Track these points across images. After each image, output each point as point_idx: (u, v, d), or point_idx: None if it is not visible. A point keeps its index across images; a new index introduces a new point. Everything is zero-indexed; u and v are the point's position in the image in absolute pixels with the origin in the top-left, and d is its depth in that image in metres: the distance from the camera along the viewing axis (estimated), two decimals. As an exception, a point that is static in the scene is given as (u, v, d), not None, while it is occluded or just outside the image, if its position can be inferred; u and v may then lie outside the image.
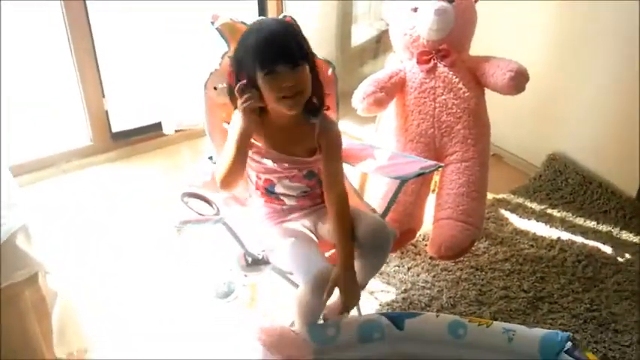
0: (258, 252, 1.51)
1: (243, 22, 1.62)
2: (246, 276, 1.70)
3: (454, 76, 1.93)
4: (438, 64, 1.94)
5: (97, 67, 2.52)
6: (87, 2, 2.37)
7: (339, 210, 1.50)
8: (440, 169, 1.69)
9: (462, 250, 1.86)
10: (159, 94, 2.59)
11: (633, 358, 1.72)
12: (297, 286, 1.48)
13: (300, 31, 1.48)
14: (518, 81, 1.85)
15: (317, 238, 1.58)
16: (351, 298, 1.46)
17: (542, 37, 2.40)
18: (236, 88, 1.45)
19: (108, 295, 1.92)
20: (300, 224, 1.58)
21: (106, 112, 2.63)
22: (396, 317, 1.55)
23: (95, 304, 1.84)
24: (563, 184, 2.48)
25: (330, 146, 1.53)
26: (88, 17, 2.41)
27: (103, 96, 2.59)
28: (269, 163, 1.53)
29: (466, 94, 1.93)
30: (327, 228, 1.56)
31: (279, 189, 1.56)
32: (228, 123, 1.61)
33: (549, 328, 1.80)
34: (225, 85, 1.60)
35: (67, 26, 2.40)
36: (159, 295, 1.90)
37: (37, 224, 1.48)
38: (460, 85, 1.93)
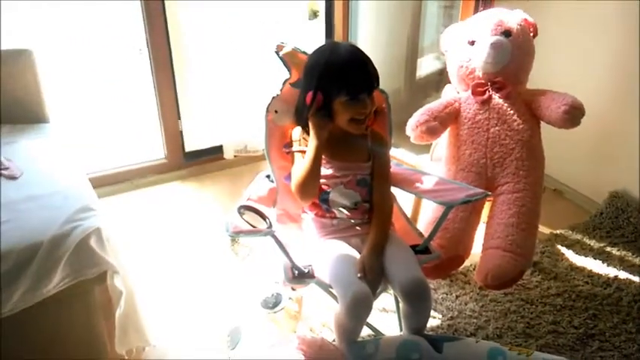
0: (305, 266, 1.59)
1: (304, 52, 1.75)
2: (293, 289, 1.80)
3: (508, 108, 1.96)
4: (493, 96, 1.98)
5: (175, 89, 2.73)
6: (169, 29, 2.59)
7: (383, 213, 1.66)
8: (487, 197, 1.71)
9: (509, 280, 1.86)
10: (225, 117, 2.76)
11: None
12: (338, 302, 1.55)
13: (372, 62, 1.62)
14: (573, 115, 1.85)
15: None
16: (373, 276, 1.52)
17: (604, 72, 2.38)
18: (311, 108, 1.60)
19: (168, 297, 2.07)
20: (347, 243, 1.66)
21: (181, 132, 2.83)
22: (435, 340, 1.57)
23: (156, 306, 1.98)
24: (625, 222, 2.42)
25: (380, 151, 1.70)
26: (169, 46, 2.63)
27: (179, 117, 2.80)
28: (327, 169, 1.66)
29: (520, 126, 1.95)
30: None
31: (333, 196, 1.66)
32: (287, 146, 1.74)
33: (598, 367, 1.78)
34: (281, 109, 1.72)
35: (150, 53, 2.63)
36: (213, 301, 2.04)
37: (110, 230, 1.64)
38: (514, 117, 1.96)
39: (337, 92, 1.58)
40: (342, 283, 1.51)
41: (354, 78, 1.58)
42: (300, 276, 1.57)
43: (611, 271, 2.18)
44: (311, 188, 1.62)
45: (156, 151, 2.87)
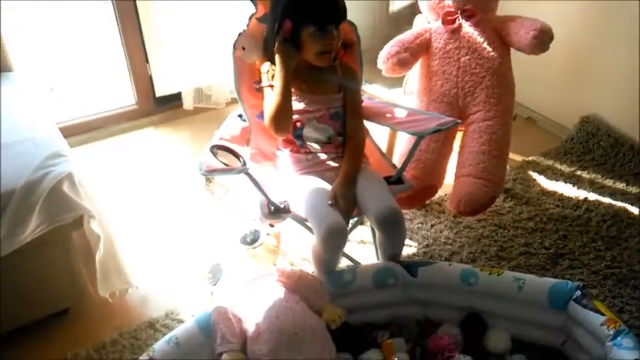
0: (280, 201, 1.61)
1: (270, -16, 1.70)
2: (271, 225, 1.82)
3: (478, 36, 1.95)
4: (463, 24, 1.96)
5: (141, 32, 2.64)
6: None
7: (355, 145, 1.68)
8: (457, 125, 1.72)
9: (480, 206, 1.90)
10: (192, 60, 2.69)
11: (650, 313, 1.74)
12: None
13: None
14: (542, 40, 1.85)
15: None
16: (345, 204, 1.55)
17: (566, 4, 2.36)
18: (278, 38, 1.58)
19: (148, 239, 2.10)
20: (321, 177, 1.67)
21: (150, 76, 2.77)
22: (410, 265, 1.63)
23: (137, 248, 2.00)
24: (595, 146, 2.47)
25: (351, 82, 1.69)
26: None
27: (147, 61, 2.73)
28: (300, 104, 1.65)
29: (490, 54, 1.95)
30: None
31: (306, 131, 1.67)
32: (257, 82, 1.73)
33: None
34: (248, 45, 1.69)
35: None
36: (192, 240, 2.08)
37: (83, 175, 1.63)
38: (484, 45, 1.95)
39: (305, 23, 1.56)
40: (317, 216, 1.54)
41: (320, 8, 1.56)
42: (276, 211, 1.60)
43: (581, 194, 2.25)
44: (284, 120, 1.61)
45: (127, 97, 2.82)
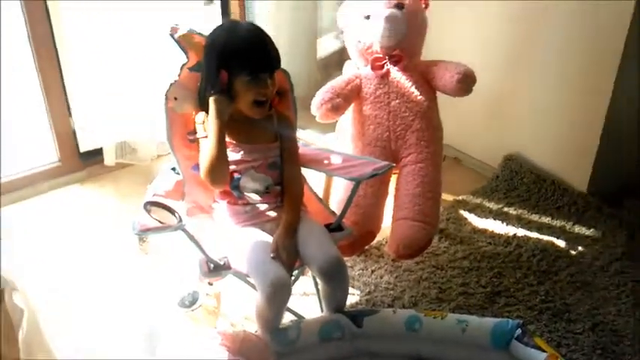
0: (220, 258, 1.55)
1: (200, 34, 1.68)
2: (210, 284, 1.75)
3: (406, 81, 2.01)
4: (391, 70, 2.02)
5: (63, 83, 2.53)
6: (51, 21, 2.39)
7: (294, 193, 1.66)
8: (392, 169, 1.74)
9: (419, 248, 1.92)
10: (118, 113, 2.59)
11: (585, 345, 1.80)
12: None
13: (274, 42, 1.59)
14: (466, 83, 1.93)
15: None
16: (287, 255, 1.52)
17: (493, 40, 2.50)
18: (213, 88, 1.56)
19: (75, 308, 1.94)
20: (261, 229, 1.63)
21: (74, 131, 2.65)
22: (355, 315, 1.61)
23: (61, 318, 1.85)
24: (519, 183, 2.58)
25: (287, 130, 1.68)
26: (53, 36, 2.42)
27: (70, 115, 2.61)
28: (236, 154, 1.62)
29: (418, 98, 2.01)
30: None
31: (244, 182, 1.62)
32: (191, 133, 1.68)
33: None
34: (180, 96, 1.66)
35: (33, 47, 2.42)
36: (127, 304, 1.93)
37: (4, 243, 1.51)
38: (412, 89, 2.01)
39: (238, 71, 1.54)
40: (259, 272, 1.49)
41: (254, 56, 1.55)
42: (215, 269, 1.54)
43: (510, 230, 2.33)
44: (220, 172, 1.57)
45: (48, 154, 2.66)
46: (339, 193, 2.01)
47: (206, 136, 1.61)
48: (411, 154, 2.01)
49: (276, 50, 1.61)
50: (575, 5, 2.20)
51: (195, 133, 1.66)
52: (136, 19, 2.47)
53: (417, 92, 2.01)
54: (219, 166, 1.56)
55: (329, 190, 2.17)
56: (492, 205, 2.50)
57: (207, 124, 1.62)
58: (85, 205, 2.50)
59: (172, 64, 1.72)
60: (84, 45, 2.43)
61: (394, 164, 1.74)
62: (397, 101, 2.01)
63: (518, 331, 1.52)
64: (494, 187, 2.61)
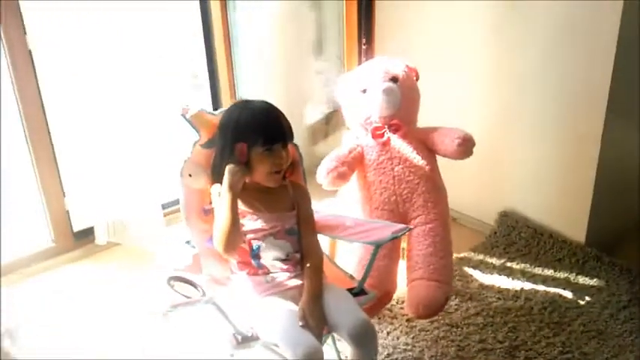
0: (247, 329, 1.53)
1: (211, 113, 1.74)
2: (232, 356, 1.71)
3: (407, 147, 2.09)
4: (391, 138, 2.09)
5: (57, 166, 2.54)
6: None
7: (315, 260, 1.66)
8: (409, 231, 1.77)
9: (438, 307, 1.93)
10: (107, 190, 2.59)
11: (611, 393, 1.80)
12: (286, 360, 1.51)
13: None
14: (466, 147, 2.02)
15: None
16: (315, 322, 1.52)
17: (482, 102, 2.63)
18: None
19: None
20: (284, 298, 1.62)
21: (67, 211, 2.62)
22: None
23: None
24: (517, 237, 2.64)
25: (302, 199, 1.72)
26: (45, 117, 2.45)
27: (64, 195, 2.59)
28: (255, 222, 1.63)
29: (420, 162, 2.07)
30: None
31: (264, 250, 1.63)
32: (209, 204, 1.70)
33: (528, 376, 1.89)
34: (195, 172, 1.69)
35: (25, 128, 2.43)
36: None
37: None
38: (414, 155, 2.08)
39: (253, 143, 1.59)
40: (290, 341, 1.47)
41: (269, 128, 1.61)
42: (244, 340, 1.51)
43: (516, 284, 2.36)
44: (233, 238, 1.57)
45: (40, 235, 2.62)
46: (353, 257, 2.02)
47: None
48: (419, 216, 2.05)
49: (288, 123, 1.67)
50: (558, 60, 2.33)
51: (211, 203, 1.68)
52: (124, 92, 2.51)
53: (418, 157, 2.08)
54: (231, 233, 1.56)
55: (333, 255, 2.18)
56: (494, 261, 2.53)
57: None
58: (84, 283, 2.44)
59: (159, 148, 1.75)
60: (74, 121, 2.46)
61: (412, 227, 1.78)
62: (400, 166, 2.08)
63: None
64: (493, 243, 2.66)
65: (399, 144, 2.09)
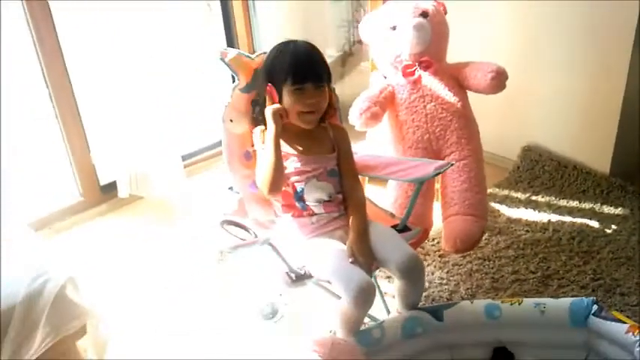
0: (299, 267, 1.57)
1: (248, 56, 1.72)
2: (280, 295, 1.77)
3: (438, 84, 2.08)
4: (422, 75, 2.08)
5: (81, 121, 2.54)
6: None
7: (357, 200, 1.69)
8: (451, 166, 1.78)
9: (475, 241, 1.98)
10: (130, 145, 2.59)
11: (644, 315, 1.87)
12: (338, 297, 1.56)
13: (324, 57, 1.65)
14: (500, 80, 2.01)
15: None
16: (365, 258, 1.56)
17: (504, 36, 2.60)
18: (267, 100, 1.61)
19: (156, 330, 1.93)
20: (331, 238, 1.66)
21: (93, 166, 2.63)
22: (435, 310, 1.64)
23: (144, 340, 1.84)
24: (541, 171, 2.67)
25: (343, 141, 1.73)
26: (68, 74, 2.44)
27: (89, 151, 2.60)
28: (297, 164, 1.65)
29: (452, 99, 2.07)
30: None
31: (308, 192, 1.66)
32: (251, 146, 1.71)
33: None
34: (235, 117, 1.69)
35: (49, 84, 2.42)
36: (208, 325, 1.93)
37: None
38: (446, 92, 2.07)
39: (283, 80, 1.60)
40: (343, 277, 1.51)
41: (298, 66, 1.60)
42: (298, 278, 1.55)
43: (543, 217, 2.41)
44: (277, 178, 1.59)
45: (69, 189, 2.64)
46: (389, 196, 2.05)
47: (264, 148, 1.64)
48: (453, 153, 2.07)
49: (324, 64, 1.66)
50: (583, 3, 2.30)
51: (254, 146, 1.70)
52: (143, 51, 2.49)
53: (450, 93, 2.08)
54: (275, 173, 1.59)
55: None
56: (520, 195, 2.58)
57: (265, 136, 1.66)
58: (116, 236, 2.49)
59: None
60: (96, 74, 2.45)
61: (453, 162, 1.80)
62: (432, 104, 2.07)
63: (595, 307, 1.58)
64: (517, 177, 2.69)
65: (430, 81, 2.08)
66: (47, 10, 2.30)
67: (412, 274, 1.57)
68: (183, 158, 2.83)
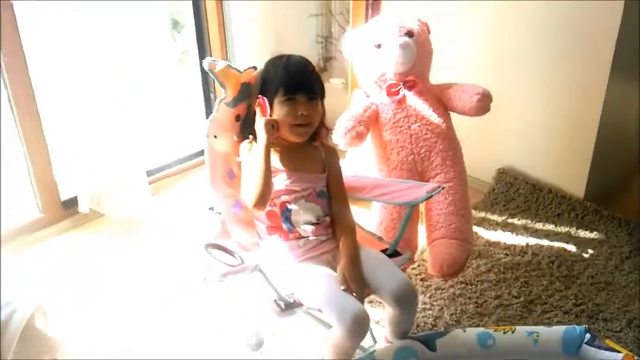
0: (288, 295, 1.48)
1: (237, 69, 1.64)
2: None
3: (423, 105, 2.05)
4: (407, 95, 2.05)
5: (43, 134, 2.39)
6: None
7: (347, 223, 1.63)
8: (443, 190, 1.74)
9: (461, 266, 1.94)
10: (91, 157, 2.45)
11: (628, 341, 1.86)
12: (329, 326, 1.48)
13: (317, 71, 1.61)
14: (485, 102, 2.00)
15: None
16: (358, 285, 1.49)
17: (480, 58, 2.60)
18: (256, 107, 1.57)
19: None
20: (318, 263, 1.58)
21: (54, 181, 2.47)
22: (426, 339, 1.58)
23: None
24: (516, 194, 2.67)
25: (334, 162, 1.67)
26: (31, 85, 2.29)
27: (51, 163, 2.44)
28: (286, 182, 1.58)
29: (437, 120, 2.04)
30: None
31: (296, 213, 1.58)
32: (233, 169, 1.63)
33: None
34: (220, 134, 1.61)
35: (10, 92, 2.26)
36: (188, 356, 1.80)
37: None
38: (430, 112, 2.04)
39: (275, 91, 1.55)
40: (335, 306, 1.43)
41: (291, 77, 1.55)
42: (287, 307, 1.46)
43: (521, 240, 2.40)
44: (264, 191, 1.50)
45: (27, 205, 2.46)
46: (375, 218, 1.99)
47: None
48: (438, 175, 2.03)
49: (318, 77, 1.61)
50: (562, 13, 2.32)
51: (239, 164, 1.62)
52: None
53: (435, 114, 2.05)
54: (264, 184, 1.50)
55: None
56: (496, 218, 2.56)
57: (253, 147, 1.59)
58: (79, 253, 2.34)
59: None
60: (58, 83, 2.31)
61: (445, 186, 1.76)
62: (417, 125, 2.04)
63: (587, 335, 1.55)
64: (492, 200, 2.68)
65: (415, 101, 2.05)
66: (11, 13, 2.15)
67: (406, 301, 1.51)
68: (149, 173, 2.69)
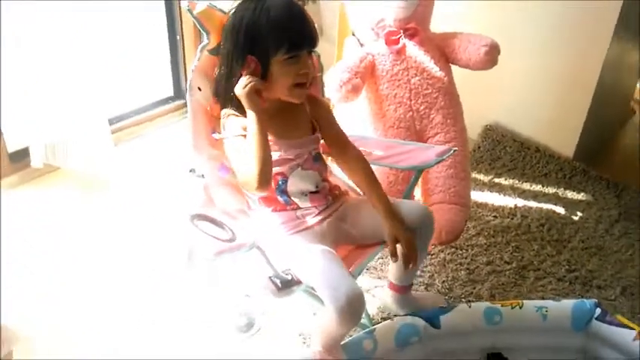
0: (285, 272, 1.32)
1: (221, 11, 1.40)
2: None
3: (424, 55, 1.86)
4: (407, 44, 1.86)
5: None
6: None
7: (365, 172, 1.46)
8: (454, 152, 1.57)
9: (460, 232, 1.83)
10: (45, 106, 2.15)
11: (624, 310, 1.82)
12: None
13: None
14: (493, 55, 1.83)
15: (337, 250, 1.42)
16: (412, 250, 1.39)
17: (475, 11, 2.41)
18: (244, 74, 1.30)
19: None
20: (312, 234, 1.42)
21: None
22: (431, 316, 1.47)
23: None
24: (502, 152, 2.56)
25: (325, 113, 1.47)
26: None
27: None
28: (277, 155, 1.36)
29: (439, 73, 1.87)
30: (349, 222, 1.46)
31: (291, 184, 1.39)
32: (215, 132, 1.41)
33: (542, 296, 1.87)
34: (205, 85, 1.39)
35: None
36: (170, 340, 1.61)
37: None
38: (432, 65, 1.87)
39: (275, 50, 1.28)
40: (330, 285, 1.27)
41: (294, 30, 1.30)
42: (284, 285, 1.30)
43: (509, 201, 2.30)
44: (267, 168, 1.29)
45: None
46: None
47: (243, 135, 1.32)
48: (438, 134, 1.88)
49: (313, 25, 1.37)
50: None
51: (220, 131, 1.39)
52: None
53: (436, 67, 1.87)
54: (267, 164, 1.29)
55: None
56: (482, 177, 2.46)
57: (234, 118, 1.36)
58: (24, 213, 2.09)
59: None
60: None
61: (456, 148, 1.60)
62: (417, 78, 1.86)
63: (598, 310, 1.48)
64: (478, 158, 2.57)
65: (416, 52, 1.86)
66: None
67: (425, 225, 1.45)
68: (111, 122, 2.41)
